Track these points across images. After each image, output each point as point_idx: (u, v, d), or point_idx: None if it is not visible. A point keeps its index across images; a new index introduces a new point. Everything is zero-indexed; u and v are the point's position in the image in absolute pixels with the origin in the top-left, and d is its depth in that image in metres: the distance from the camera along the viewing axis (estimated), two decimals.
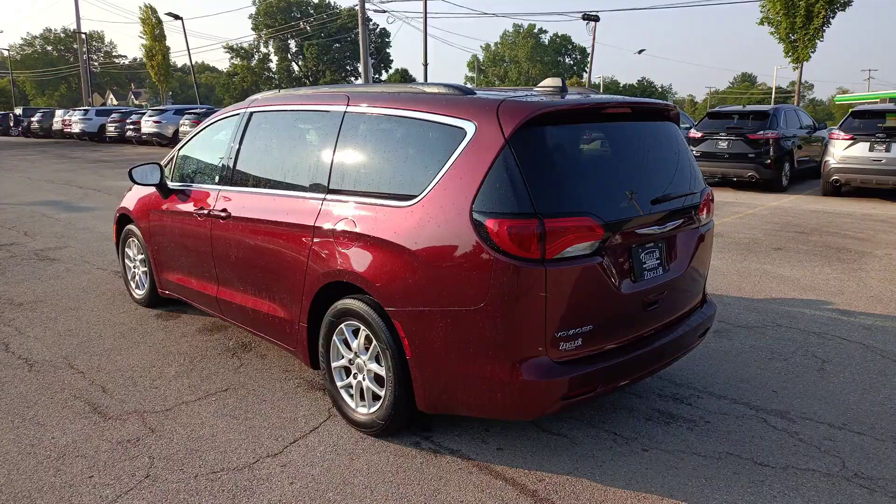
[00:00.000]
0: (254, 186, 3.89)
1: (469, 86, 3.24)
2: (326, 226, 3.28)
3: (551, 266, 2.65)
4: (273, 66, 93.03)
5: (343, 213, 3.22)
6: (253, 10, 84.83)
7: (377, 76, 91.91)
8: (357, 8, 27.42)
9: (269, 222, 3.66)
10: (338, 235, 3.21)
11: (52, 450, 3.16)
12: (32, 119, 36.79)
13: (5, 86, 76.72)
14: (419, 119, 3.05)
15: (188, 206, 4.39)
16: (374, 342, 3.13)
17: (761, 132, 12.39)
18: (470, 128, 2.82)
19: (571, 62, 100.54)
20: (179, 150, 4.82)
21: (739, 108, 13.62)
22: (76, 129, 31.29)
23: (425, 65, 27.30)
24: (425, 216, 2.85)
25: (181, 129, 24.87)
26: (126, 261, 5.54)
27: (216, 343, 4.56)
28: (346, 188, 3.28)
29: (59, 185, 14.30)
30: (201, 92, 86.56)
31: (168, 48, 38.27)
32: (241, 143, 4.10)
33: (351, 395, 3.35)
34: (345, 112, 3.43)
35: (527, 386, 2.70)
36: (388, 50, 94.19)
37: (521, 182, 2.66)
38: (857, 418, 3.47)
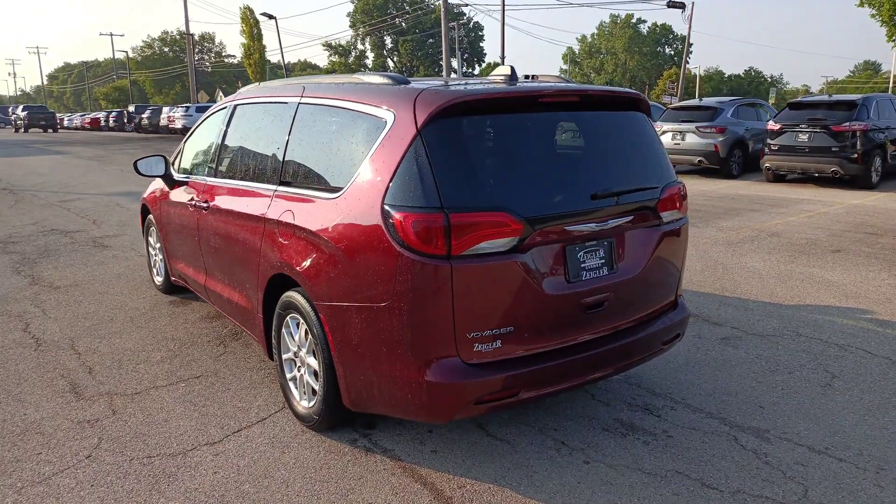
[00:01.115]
0: (229, 178, 3.97)
1: (405, 76, 3.13)
2: (274, 217, 3.29)
3: (458, 262, 2.52)
4: (369, 62, 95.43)
5: (286, 206, 3.22)
6: (350, 7, 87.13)
7: (470, 70, 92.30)
8: (443, 2, 27.51)
9: (234, 213, 3.72)
10: (281, 227, 3.21)
11: (19, 425, 3.35)
12: (143, 116, 39.56)
13: (125, 85, 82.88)
14: (351, 109, 3.00)
15: (184, 197, 4.55)
16: (310, 336, 3.10)
17: (847, 123, 11.36)
18: (390, 118, 2.74)
19: (672, 52, 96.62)
20: (185, 142, 4.99)
21: (825, 97, 12.56)
22: (179, 124, 33.30)
23: (502, 58, 27.07)
24: (346, 209, 2.80)
25: None
26: (149, 248, 5.82)
27: (211, 331, 4.70)
28: (293, 180, 3.28)
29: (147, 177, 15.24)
30: None
31: (264, 47, 40.01)
32: (224, 136, 4.19)
33: (296, 388, 3.35)
34: (298, 103, 3.42)
35: (434, 387, 2.59)
36: (481, 44, 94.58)
37: (429, 175, 2.55)
38: (845, 442, 3.11)
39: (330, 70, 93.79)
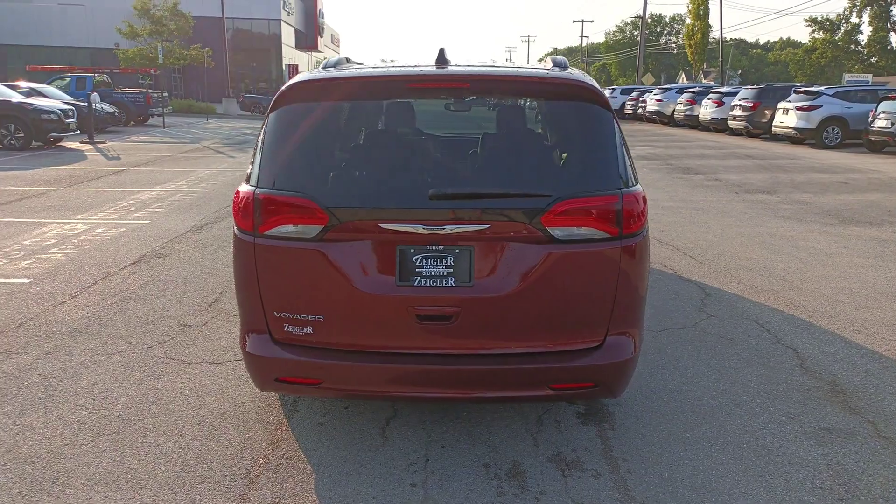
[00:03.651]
0: None
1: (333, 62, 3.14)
2: None
3: (262, 241, 2.62)
4: (863, 38, 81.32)
5: None
6: None
7: None
8: None
9: None
10: None
11: (157, 315, 4.59)
12: None
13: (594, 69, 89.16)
14: None
15: None
16: None
17: None
18: None
19: None
20: None
21: None
22: (652, 108, 31.15)
23: None
24: None
25: (677, 107, 25.15)
26: None
27: None
28: None
29: None
30: (775, 70, 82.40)
31: (710, 26, 38.20)
32: None
33: None
34: None
35: (247, 357, 2.77)
36: None
37: (259, 156, 2.69)
38: None
39: (810, 48, 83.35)
